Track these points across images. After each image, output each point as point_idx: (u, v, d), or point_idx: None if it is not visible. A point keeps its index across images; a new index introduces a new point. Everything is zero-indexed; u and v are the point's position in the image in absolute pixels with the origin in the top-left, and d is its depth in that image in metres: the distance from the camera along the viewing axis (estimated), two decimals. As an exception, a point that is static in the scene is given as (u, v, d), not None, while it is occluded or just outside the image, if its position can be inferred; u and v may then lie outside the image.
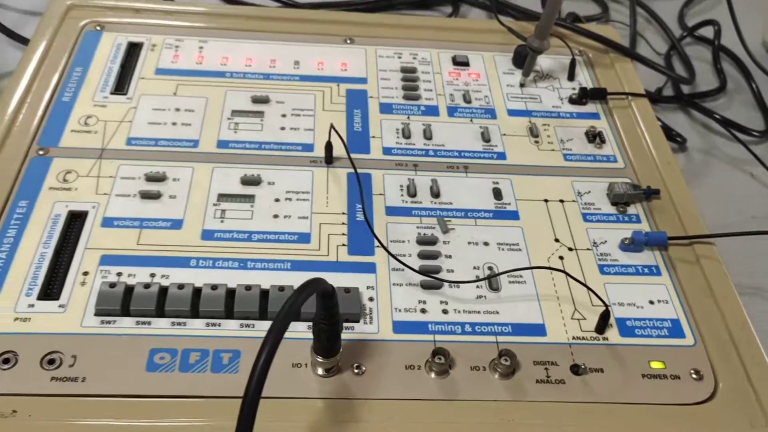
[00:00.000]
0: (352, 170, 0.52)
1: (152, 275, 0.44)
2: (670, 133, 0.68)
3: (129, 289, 0.43)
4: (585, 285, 0.45)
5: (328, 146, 0.52)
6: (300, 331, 0.42)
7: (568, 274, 0.46)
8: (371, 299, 0.45)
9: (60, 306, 0.42)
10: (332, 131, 0.50)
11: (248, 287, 0.43)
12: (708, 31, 0.82)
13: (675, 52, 0.80)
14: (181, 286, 0.43)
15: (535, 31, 0.59)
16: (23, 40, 0.69)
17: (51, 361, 0.39)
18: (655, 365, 0.43)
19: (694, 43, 0.84)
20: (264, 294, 0.44)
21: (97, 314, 0.42)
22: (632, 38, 0.82)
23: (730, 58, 0.81)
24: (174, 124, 0.54)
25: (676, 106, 0.73)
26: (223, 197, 0.50)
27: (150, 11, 0.65)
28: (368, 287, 0.45)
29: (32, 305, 0.42)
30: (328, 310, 0.36)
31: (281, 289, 0.44)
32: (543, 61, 0.65)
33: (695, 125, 0.72)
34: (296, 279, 0.45)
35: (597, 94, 0.61)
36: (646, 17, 0.87)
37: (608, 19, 0.86)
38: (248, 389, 0.30)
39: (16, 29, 0.70)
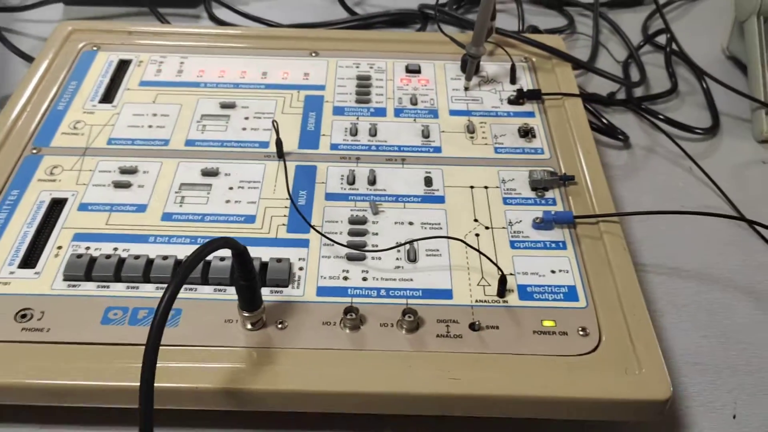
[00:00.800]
0: (301, 163, 0.60)
1: (115, 249, 0.52)
2: (613, 132, 0.73)
3: (93, 259, 0.50)
4: (480, 252, 0.51)
5: (278, 142, 0.59)
6: (232, 293, 0.49)
7: (465, 243, 0.52)
8: (301, 269, 0.51)
9: (35, 273, 0.50)
10: (274, 126, 0.58)
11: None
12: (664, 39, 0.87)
13: (632, 59, 0.86)
14: (137, 257, 0.50)
15: (472, 39, 0.65)
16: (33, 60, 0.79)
17: (23, 316, 0.47)
18: (547, 323, 0.48)
19: (654, 51, 0.89)
20: (206, 263, 0.51)
21: (65, 279, 0.50)
22: (594, 48, 0.87)
23: (685, 62, 0.85)
24: (150, 126, 0.63)
25: (626, 109, 0.78)
26: (184, 186, 0.57)
27: (140, 33, 0.74)
28: (300, 259, 0.52)
29: (12, 272, 0.50)
30: (241, 267, 0.43)
31: (222, 259, 0.51)
32: (489, 67, 0.71)
33: (643, 125, 0.77)
34: (238, 252, 0.52)
35: (533, 95, 0.67)
36: (610, 29, 0.92)
37: (574, 31, 0.92)
38: (151, 331, 0.37)
39: (32, 52, 0.81)
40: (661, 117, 0.76)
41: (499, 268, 0.50)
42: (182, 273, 0.39)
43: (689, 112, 0.79)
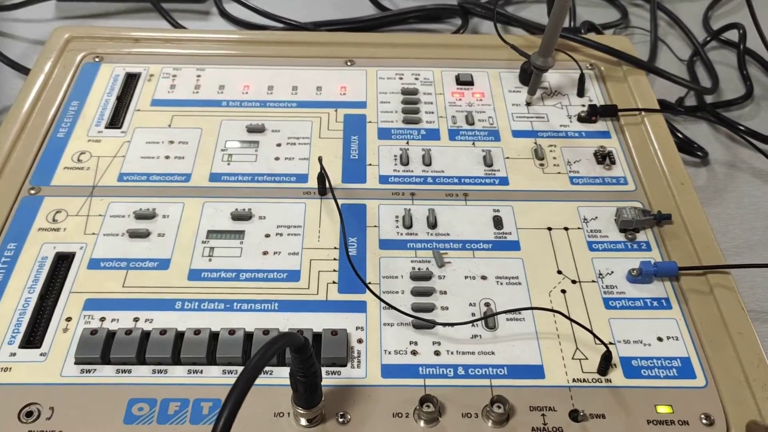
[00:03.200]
0: (347, 201, 0.51)
1: (136, 319, 0.43)
2: (690, 147, 0.65)
3: (110, 336, 0.42)
4: (581, 325, 0.42)
5: (321, 177, 0.51)
6: (283, 377, 0.40)
7: (564, 315, 0.43)
8: (360, 341, 0.43)
9: (41, 354, 0.41)
10: (320, 163, 0.49)
11: (232, 331, 0.42)
12: (734, 35, 0.78)
13: (698, 57, 0.76)
14: (163, 332, 0.42)
15: (539, 49, 0.56)
16: (26, 71, 0.69)
17: (29, 414, 0.39)
18: (662, 409, 0.40)
19: (720, 47, 0.80)
20: (248, 338, 0.42)
21: (77, 363, 0.41)
22: (653, 45, 0.78)
23: (758, 62, 0.76)
24: (167, 157, 0.54)
25: (699, 117, 0.70)
26: (212, 234, 0.48)
27: (149, 40, 0.64)
28: (357, 328, 0.44)
29: (14, 354, 0.41)
30: (302, 363, 0.35)
31: (266, 332, 0.42)
32: (551, 77, 0.62)
33: (719, 137, 0.68)
34: (283, 320, 0.43)
35: (607, 111, 0.58)
36: (668, 21, 0.83)
37: (628, 25, 0.82)
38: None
39: (22, 60, 0.71)
40: (741, 127, 0.67)
41: (603, 343, 0.41)
42: (234, 401, 0.30)
43: (766, 120, 0.71)
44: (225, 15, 0.81)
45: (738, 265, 0.51)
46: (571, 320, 0.43)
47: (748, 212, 0.61)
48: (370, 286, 0.45)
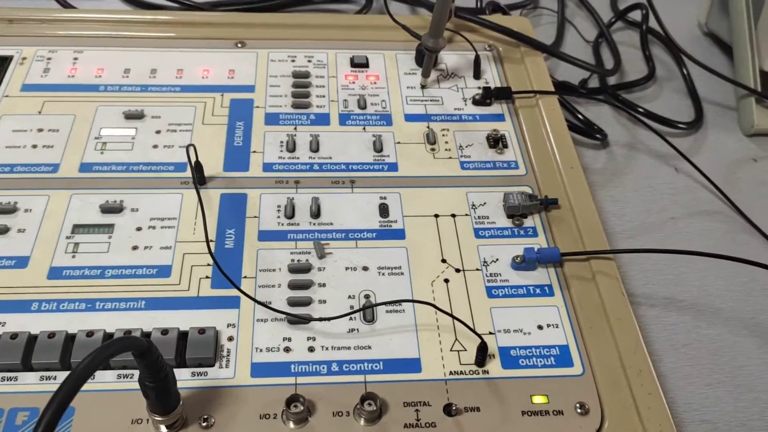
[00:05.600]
0: (227, 190, 0.48)
1: (-14, 323, 0.40)
2: (590, 129, 0.64)
3: (-46, 343, 0.39)
4: (454, 317, 0.41)
5: (197, 166, 0.48)
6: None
7: (435, 307, 0.42)
8: (231, 339, 0.41)
9: None
10: (188, 154, 0.46)
11: (90, 333, 0.40)
12: (639, 15, 0.78)
13: (603, 38, 0.76)
14: (13, 336, 0.39)
15: (429, 30, 0.55)
16: None
17: None
18: (538, 399, 0.39)
19: (626, 27, 0.80)
20: (108, 338, 0.40)
21: None
22: (560, 26, 0.77)
23: (662, 43, 0.77)
24: (34, 147, 0.50)
25: (601, 99, 0.69)
26: (78, 228, 0.45)
27: (24, 20, 0.60)
28: (229, 325, 0.41)
29: None
30: (148, 369, 0.33)
31: (127, 333, 0.40)
32: (448, 59, 0.61)
33: (620, 118, 0.68)
34: (149, 319, 0.41)
35: (502, 94, 0.57)
36: (576, 2, 0.82)
37: (536, 6, 0.81)
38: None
39: None
40: (641, 110, 0.67)
41: (477, 335, 0.40)
42: (58, 402, 0.27)
43: (668, 100, 0.71)
44: (119, -6, 0.76)
45: (619, 250, 0.51)
46: (444, 312, 0.41)
47: (644, 194, 0.61)
48: (245, 280, 0.43)
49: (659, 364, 0.48)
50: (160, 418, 0.36)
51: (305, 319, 0.41)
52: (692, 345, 0.50)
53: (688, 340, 0.50)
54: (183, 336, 0.40)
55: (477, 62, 0.59)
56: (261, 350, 0.40)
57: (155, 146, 0.51)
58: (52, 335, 0.39)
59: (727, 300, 0.52)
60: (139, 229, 0.46)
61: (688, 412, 0.46)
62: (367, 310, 0.42)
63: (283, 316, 0.42)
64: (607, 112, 0.69)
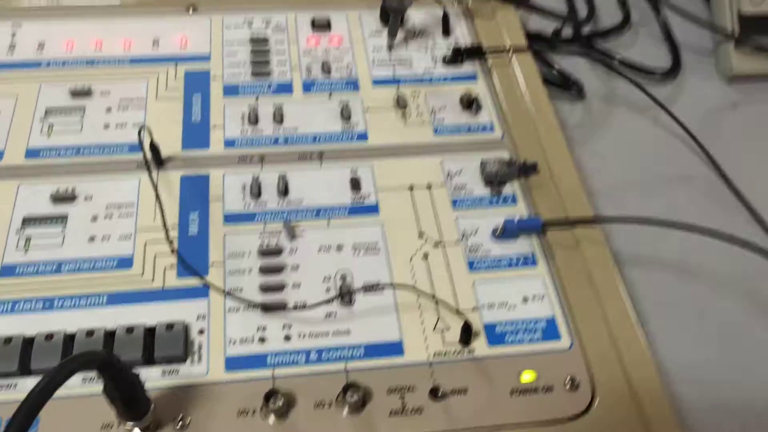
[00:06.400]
0: (187, 172, 0.45)
1: (-67, 332, 0.37)
2: (566, 83, 0.62)
3: None
4: (436, 299, 0.39)
5: (153, 148, 0.45)
6: (110, 385, 0.36)
7: (416, 290, 0.40)
8: (201, 332, 0.39)
9: None
10: (140, 138, 0.43)
11: (49, 335, 0.37)
12: (611, -42, 0.75)
13: (575, -16, 0.73)
14: (-35, 345, 0.36)
15: (394, -14, 0.51)
16: None
17: None
18: (527, 376, 0.38)
19: (597, -29, 0.77)
20: (70, 340, 0.37)
21: None
22: (529, -28, 0.74)
23: (635, -14, 0.74)
24: (-26, 133, 0.46)
25: (576, 49, 0.67)
26: (28, 221, 0.42)
27: (-47, -8, 0.55)
28: (199, 317, 0.39)
29: None
30: (112, 380, 0.30)
31: (90, 333, 0.37)
32: (416, 16, 0.57)
33: (596, 69, 0.65)
34: (112, 316, 0.38)
35: (473, 53, 0.54)
36: (545, -54, 0.79)
37: (504, -48, 0.78)
38: None
39: None
40: (616, 59, 0.64)
41: (462, 314, 0.38)
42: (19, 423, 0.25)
43: (645, 47, 0.68)
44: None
45: (604, 218, 0.49)
46: (426, 294, 0.40)
47: (624, 148, 0.59)
48: (213, 267, 0.41)
49: (646, 326, 0.47)
50: (130, 424, 0.33)
51: (270, 307, 0.39)
52: (678, 303, 0.49)
53: (674, 297, 0.49)
54: (150, 332, 0.38)
55: (446, 19, 0.56)
56: (234, 342, 0.38)
57: (107, 126, 0.48)
58: (8, 340, 0.36)
59: (712, 253, 0.51)
60: (95, 218, 0.43)
61: (678, 374, 0.45)
62: (344, 290, 0.40)
63: (257, 304, 0.39)
64: (583, 62, 0.66)
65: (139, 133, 0.43)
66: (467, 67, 0.54)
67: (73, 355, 0.28)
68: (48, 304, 0.39)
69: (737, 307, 0.49)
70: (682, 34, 0.69)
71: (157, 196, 0.41)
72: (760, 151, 0.60)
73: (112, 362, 0.29)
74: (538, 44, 0.65)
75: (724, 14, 0.65)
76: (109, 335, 0.37)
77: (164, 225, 0.40)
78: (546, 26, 0.67)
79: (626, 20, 0.69)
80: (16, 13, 0.54)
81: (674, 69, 0.65)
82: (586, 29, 0.68)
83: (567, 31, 0.68)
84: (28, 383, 0.36)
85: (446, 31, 0.56)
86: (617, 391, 0.38)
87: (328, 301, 0.40)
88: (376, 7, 0.57)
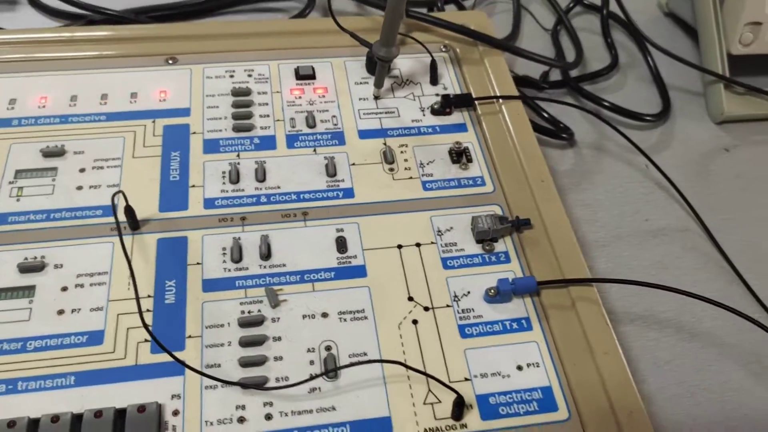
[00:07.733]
0: (164, 235, 0.43)
1: None
2: (556, 129, 0.60)
3: None
4: (426, 374, 0.37)
5: (129, 211, 0.43)
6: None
7: (405, 366, 0.37)
8: (176, 413, 0.36)
9: None
10: (113, 203, 0.41)
11: (12, 423, 0.34)
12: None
13: (563, 25, 0.72)
14: None
15: (380, 38, 0.50)
16: None
17: None
18: (523, 455, 0.36)
19: (585, 12, 0.76)
20: (33, 426, 0.34)
21: None
22: (516, 15, 0.73)
23: (623, 27, 0.73)
24: (-61, 197, 0.44)
25: (565, 92, 0.65)
26: (-7, 295, 0.40)
27: None
28: (174, 396, 0.37)
29: None
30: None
31: (55, 419, 0.35)
32: (402, 63, 0.56)
33: (585, 114, 0.64)
34: (79, 398, 0.36)
35: (462, 101, 0.52)
36: (532, -13, 0.78)
37: (491, -6, 0.77)
38: None
39: None
40: (606, 104, 0.63)
41: (452, 390, 0.36)
42: None
43: (634, 90, 0.67)
44: (36, 4, 0.69)
45: (600, 279, 0.47)
46: (415, 370, 0.37)
47: (616, 196, 0.57)
48: (190, 340, 0.39)
49: (643, 385, 0.45)
50: None
51: (251, 386, 0.37)
52: (676, 361, 0.47)
53: (671, 356, 0.47)
54: (121, 414, 0.35)
55: (433, 67, 0.54)
56: (212, 423, 0.36)
57: (79, 187, 0.45)
58: (-34, 430, 0.34)
59: (708, 309, 0.49)
60: (65, 288, 0.40)
61: (679, 439, 0.43)
62: (329, 362, 0.38)
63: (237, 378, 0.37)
64: (571, 107, 0.65)
65: (113, 198, 0.41)
66: (456, 116, 0.52)
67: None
68: (11, 387, 0.36)
69: (738, 362, 0.47)
70: (671, 76, 0.68)
71: (131, 269, 0.39)
72: (752, 191, 0.58)
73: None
74: (527, 88, 0.64)
75: (713, 55, 0.64)
76: (77, 419, 0.35)
77: (137, 301, 0.37)
78: (532, 67, 0.66)
79: (614, 63, 0.68)
80: (-12, 68, 0.52)
81: (664, 112, 0.64)
82: (575, 71, 0.67)
83: (555, 74, 0.67)
84: (-11, 476, 0.33)
85: (434, 79, 0.54)
86: (621, 469, 0.35)
87: (311, 379, 0.37)
88: (362, 55, 0.55)
